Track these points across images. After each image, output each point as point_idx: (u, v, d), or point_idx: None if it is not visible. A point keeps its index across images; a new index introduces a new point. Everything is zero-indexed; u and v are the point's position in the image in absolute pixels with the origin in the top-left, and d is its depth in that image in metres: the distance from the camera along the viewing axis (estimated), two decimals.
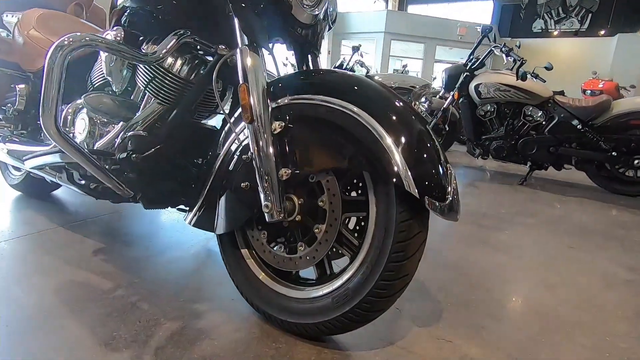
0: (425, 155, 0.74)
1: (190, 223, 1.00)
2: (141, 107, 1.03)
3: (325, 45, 12.88)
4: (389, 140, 0.73)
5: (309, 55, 1.07)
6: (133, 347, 0.83)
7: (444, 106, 3.24)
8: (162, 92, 0.99)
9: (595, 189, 2.86)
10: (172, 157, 1.05)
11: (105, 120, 1.08)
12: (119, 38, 1.04)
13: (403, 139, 0.73)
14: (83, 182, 1.12)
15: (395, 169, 0.71)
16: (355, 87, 0.81)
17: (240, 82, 0.85)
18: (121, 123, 1.03)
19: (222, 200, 0.94)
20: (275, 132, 0.84)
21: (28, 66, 1.40)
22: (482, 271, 1.34)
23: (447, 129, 3.40)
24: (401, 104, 0.79)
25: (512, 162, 3.01)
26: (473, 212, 2.04)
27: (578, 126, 2.67)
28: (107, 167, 0.96)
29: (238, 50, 0.87)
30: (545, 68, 3.52)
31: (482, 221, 1.89)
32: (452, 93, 3.12)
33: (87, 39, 0.80)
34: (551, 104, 2.81)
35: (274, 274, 0.94)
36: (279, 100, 0.87)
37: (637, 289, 1.30)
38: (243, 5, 0.86)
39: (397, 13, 14.25)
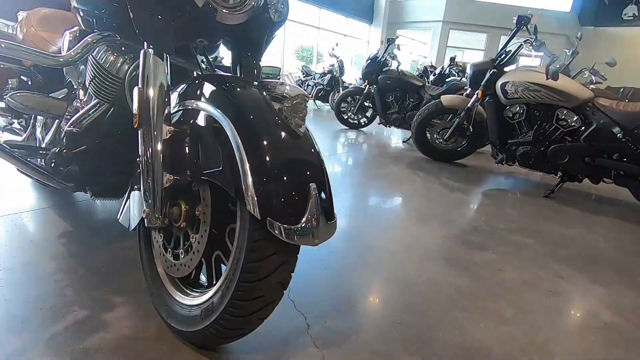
0: (280, 176, 0.69)
1: (118, 218, 1.05)
2: (76, 104, 1.09)
3: (378, 34, 12.52)
4: (244, 156, 0.69)
5: (249, 56, 1.05)
6: (35, 331, 0.91)
7: (468, 105, 3.00)
8: (99, 89, 1.03)
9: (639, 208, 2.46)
10: (112, 152, 1.10)
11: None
12: (70, 38, 1.11)
13: (260, 157, 0.69)
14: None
15: (244, 186, 0.67)
16: (235, 98, 0.78)
17: (139, 85, 0.86)
18: (56, 121, 1.10)
19: (130, 197, 0.97)
20: (166, 138, 0.84)
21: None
22: (428, 293, 1.23)
23: (472, 130, 3.14)
24: (275, 119, 0.74)
25: (540, 170, 2.70)
26: (465, 225, 1.88)
27: (619, 135, 2.30)
28: (39, 162, 1.04)
29: (140, 52, 0.88)
30: (607, 64, 3.08)
31: (469, 236, 1.73)
32: (477, 91, 2.87)
33: None
34: (590, 108, 2.44)
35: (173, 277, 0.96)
36: (175, 105, 0.87)
37: (611, 336, 1.10)
38: (140, 7, 0.85)
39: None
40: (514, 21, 2.73)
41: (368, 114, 5.12)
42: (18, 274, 1.12)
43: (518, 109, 2.68)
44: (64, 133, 1.05)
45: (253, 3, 0.95)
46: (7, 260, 1.18)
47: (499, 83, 2.69)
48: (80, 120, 1.08)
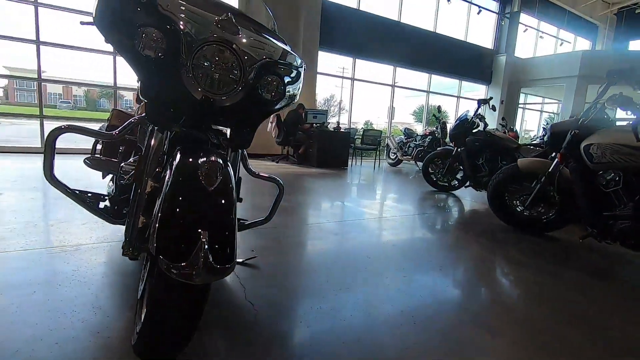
0: (178, 225, 0.85)
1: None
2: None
3: (498, 94, 11.88)
4: (158, 210, 0.88)
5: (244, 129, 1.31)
6: None
7: (549, 170, 2.62)
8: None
9: None
10: None
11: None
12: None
13: (169, 210, 0.87)
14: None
15: (151, 230, 0.86)
16: (178, 167, 1.00)
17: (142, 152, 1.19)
18: (115, 177, 1.53)
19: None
20: (148, 190, 1.11)
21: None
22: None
23: (560, 198, 2.68)
24: (192, 179, 0.92)
25: None
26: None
27: None
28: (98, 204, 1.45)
29: (148, 130, 1.21)
30: None
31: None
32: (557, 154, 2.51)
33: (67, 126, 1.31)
34: None
35: None
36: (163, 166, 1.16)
37: None
38: (152, 101, 1.19)
39: (599, 52, 11.76)
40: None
41: (459, 176, 4.84)
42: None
43: (613, 175, 2.22)
44: (114, 185, 1.47)
45: (239, 89, 1.21)
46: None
47: (582, 145, 2.31)
48: (123, 177, 1.48)
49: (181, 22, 1.17)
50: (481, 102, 4.49)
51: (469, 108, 4.50)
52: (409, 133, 8.12)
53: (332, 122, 11.71)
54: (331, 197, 4.13)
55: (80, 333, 1.19)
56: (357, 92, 9.64)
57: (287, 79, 1.43)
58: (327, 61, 9.15)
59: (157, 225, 0.84)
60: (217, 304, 1.46)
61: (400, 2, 9.78)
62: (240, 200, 2.04)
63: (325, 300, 1.56)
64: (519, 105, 13.23)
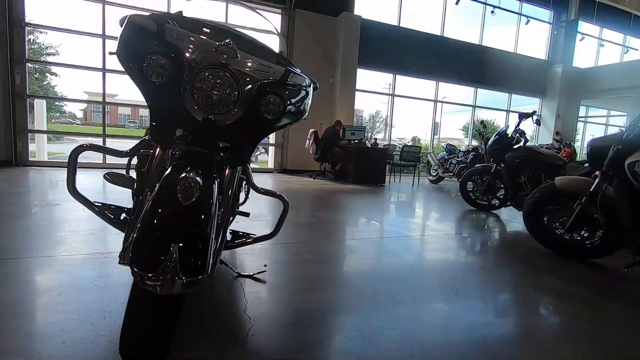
0: (152, 237, 0.91)
1: None
2: None
3: (554, 107, 11.07)
4: (138, 222, 0.94)
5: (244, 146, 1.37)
6: None
7: (591, 189, 2.39)
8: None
9: None
10: None
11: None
12: None
13: (147, 222, 0.93)
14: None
15: (129, 240, 0.92)
16: (166, 181, 1.07)
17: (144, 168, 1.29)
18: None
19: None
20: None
21: None
22: None
23: (605, 220, 2.41)
24: (170, 194, 0.98)
25: None
26: None
27: None
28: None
29: (155, 148, 1.32)
30: None
31: None
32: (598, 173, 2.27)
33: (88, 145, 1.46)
34: None
35: None
36: None
37: None
38: (157, 122, 1.29)
39: None
40: None
41: (500, 195, 4.55)
42: None
43: None
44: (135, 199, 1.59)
45: (237, 109, 1.28)
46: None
47: (627, 162, 2.08)
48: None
49: (185, 50, 1.27)
50: (523, 115, 4.23)
51: (515, 122, 4.21)
52: (450, 149, 7.83)
53: (378, 137, 11.64)
54: (361, 214, 4.08)
55: (87, 335, 1.29)
56: (402, 108, 9.56)
57: (291, 98, 1.48)
58: (372, 78, 9.22)
59: (134, 236, 0.91)
60: (214, 314, 1.50)
61: (443, 17, 9.63)
62: (247, 214, 2.11)
63: (327, 324, 1.54)
64: (579, 119, 12.20)
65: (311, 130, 7.25)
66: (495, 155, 4.22)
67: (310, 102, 1.71)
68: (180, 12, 1.51)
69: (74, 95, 24.64)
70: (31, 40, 15.31)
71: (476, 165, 4.89)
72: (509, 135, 4.18)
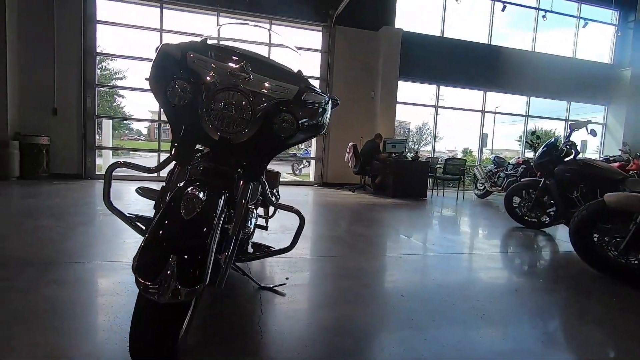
0: (154, 248, 0.98)
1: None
2: None
3: (622, 115, 10.04)
4: (147, 234, 1.03)
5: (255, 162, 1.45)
6: None
7: None
8: None
9: None
10: None
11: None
12: None
13: (152, 235, 1.01)
14: None
15: (138, 248, 1.01)
16: (173, 199, 1.15)
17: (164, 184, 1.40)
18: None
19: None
20: None
21: None
22: None
23: None
24: (175, 209, 1.06)
25: None
26: None
27: None
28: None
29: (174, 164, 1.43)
30: None
31: None
32: None
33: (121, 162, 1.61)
34: None
35: None
36: None
37: None
38: (179, 145, 1.40)
39: None
40: None
41: (551, 211, 4.20)
42: None
43: None
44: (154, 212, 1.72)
45: (249, 128, 1.36)
46: None
47: None
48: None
49: (203, 75, 1.39)
50: (574, 126, 3.91)
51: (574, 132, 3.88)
52: (499, 162, 7.40)
53: (425, 150, 11.29)
54: (395, 229, 4.00)
55: (112, 335, 1.41)
56: (451, 120, 9.31)
57: (306, 115, 1.54)
58: (417, 90, 9.10)
59: (141, 246, 1.00)
60: (226, 324, 1.56)
61: (490, 25, 9.26)
62: (265, 228, 2.17)
63: (334, 342, 1.53)
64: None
65: (350, 143, 7.27)
66: (543, 168, 3.93)
67: (329, 117, 1.75)
68: (205, 40, 1.63)
69: (140, 114, 27.07)
70: (103, 67, 17.22)
71: (522, 180, 4.57)
72: (559, 147, 3.88)
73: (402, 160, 6.95)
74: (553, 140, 4.00)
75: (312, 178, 8.48)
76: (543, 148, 4.03)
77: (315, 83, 7.94)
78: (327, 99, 1.71)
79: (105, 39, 7.95)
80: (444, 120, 9.23)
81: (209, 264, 1.02)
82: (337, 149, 7.83)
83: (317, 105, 1.64)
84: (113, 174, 1.51)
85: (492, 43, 9.31)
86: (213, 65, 1.42)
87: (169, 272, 0.94)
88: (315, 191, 7.08)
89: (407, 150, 7.47)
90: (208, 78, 1.39)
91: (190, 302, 1.03)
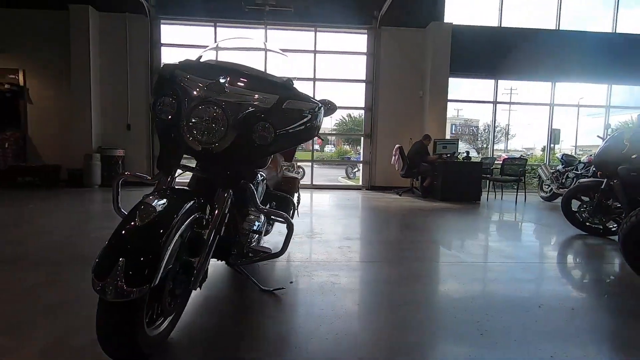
0: (108, 252, 1.09)
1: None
2: None
3: None
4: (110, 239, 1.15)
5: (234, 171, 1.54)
6: None
7: None
8: None
9: None
10: None
11: None
12: None
13: (112, 241, 1.13)
14: None
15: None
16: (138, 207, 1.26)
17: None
18: None
19: None
20: None
21: None
22: None
23: None
24: (130, 217, 1.16)
25: None
26: None
27: None
28: None
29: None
30: None
31: None
32: None
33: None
34: None
35: None
36: None
37: None
38: (164, 152, 1.54)
39: None
40: None
41: (617, 216, 3.64)
42: None
43: None
44: None
45: (224, 138, 1.45)
46: None
47: None
48: None
49: (184, 90, 1.51)
50: None
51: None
52: (568, 160, 6.60)
53: (498, 149, 10.49)
54: (436, 235, 3.81)
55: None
56: (523, 116, 8.56)
57: (289, 122, 1.60)
58: (478, 85, 8.57)
59: (100, 250, 1.12)
60: (216, 325, 1.65)
61: (559, 7, 8.32)
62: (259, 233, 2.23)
63: (314, 353, 1.53)
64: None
65: (396, 145, 7.08)
66: (603, 167, 3.43)
67: (319, 122, 1.78)
68: (199, 58, 1.75)
69: None
70: None
71: (580, 181, 4.03)
72: (625, 142, 3.35)
73: (451, 162, 6.57)
74: (617, 134, 3.47)
75: (361, 182, 8.42)
76: (605, 143, 3.52)
77: (361, 86, 7.97)
78: (315, 105, 1.73)
79: (171, 56, 8.78)
80: (516, 116, 8.51)
81: (160, 266, 1.11)
82: (385, 152, 7.68)
83: (300, 112, 1.67)
84: (120, 183, 1.69)
85: (560, 28, 8.37)
86: (193, 82, 1.54)
87: (117, 272, 1.05)
88: (362, 195, 7.02)
89: (459, 152, 7.04)
90: (189, 93, 1.51)
91: (141, 300, 1.13)
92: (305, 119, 1.69)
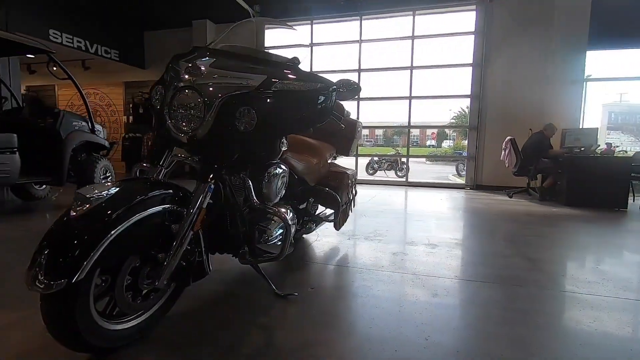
0: (45, 237, 1.07)
1: None
2: None
3: None
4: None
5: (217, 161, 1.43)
6: None
7: None
8: None
9: None
10: None
11: None
12: None
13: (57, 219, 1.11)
14: None
15: None
16: None
17: None
18: None
19: None
20: None
21: None
22: None
23: None
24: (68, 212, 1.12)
25: None
26: None
27: None
28: None
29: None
30: None
31: None
32: None
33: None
34: None
35: None
36: None
37: None
38: (153, 143, 1.52)
39: None
40: None
41: None
42: None
43: None
44: None
45: (199, 130, 1.35)
46: None
47: None
48: None
49: (170, 77, 1.46)
50: None
51: None
52: None
53: None
54: (546, 258, 2.98)
55: None
56: None
57: (278, 106, 1.43)
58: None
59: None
60: (220, 325, 1.55)
61: None
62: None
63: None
64: None
65: (507, 138, 5.95)
66: None
67: (329, 105, 1.53)
68: (209, 44, 1.67)
69: None
70: None
71: None
72: None
73: (582, 157, 5.17)
74: None
75: (465, 180, 7.42)
76: None
77: (467, 70, 6.95)
78: (320, 85, 1.49)
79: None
80: None
81: (84, 260, 1.04)
82: (494, 146, 6.57)
83: (298, 93, 1.45)
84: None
85: None
86: (176, 67, 1.46)
87: (39, 265, 1.02)
88: (462, 195, 6.13)
89: (597, 145, 5.51)
90: (170, 80, 1.44)
91: (73, 292, 1.08)
92: (306, 101, 1.46)
